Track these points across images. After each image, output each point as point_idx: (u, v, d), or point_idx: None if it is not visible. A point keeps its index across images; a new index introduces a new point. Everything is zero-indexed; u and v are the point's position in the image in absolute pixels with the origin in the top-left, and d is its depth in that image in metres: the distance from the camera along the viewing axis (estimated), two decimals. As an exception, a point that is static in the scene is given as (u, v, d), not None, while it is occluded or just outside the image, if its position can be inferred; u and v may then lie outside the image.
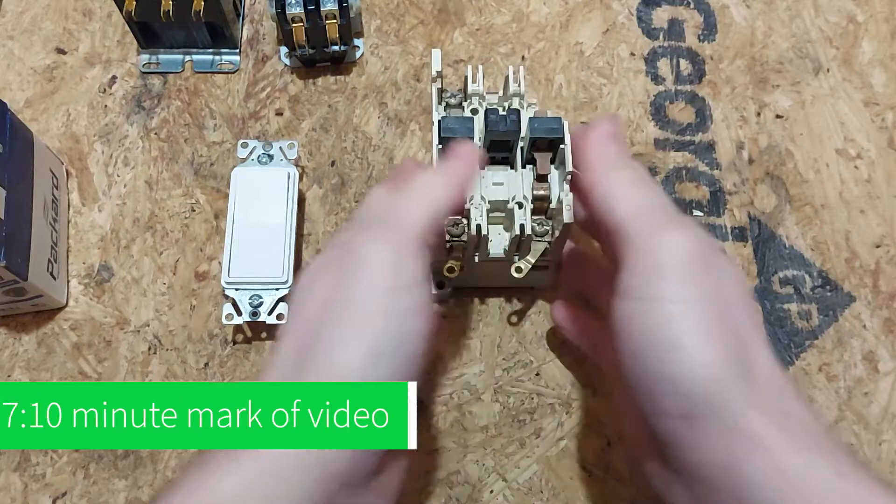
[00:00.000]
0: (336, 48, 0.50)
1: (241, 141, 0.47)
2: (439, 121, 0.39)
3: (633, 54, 0.53)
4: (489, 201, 0.40)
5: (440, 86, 0.42)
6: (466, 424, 0.44)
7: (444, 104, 0.43)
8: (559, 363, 0.45)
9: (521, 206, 0.40)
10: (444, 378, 0.44)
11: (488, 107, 0.42)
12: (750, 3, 0.55)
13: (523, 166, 0.41)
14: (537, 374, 0.45)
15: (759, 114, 0.51)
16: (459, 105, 0.43)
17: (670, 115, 0.52)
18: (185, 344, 0.45)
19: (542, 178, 0.40)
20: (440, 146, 0.39)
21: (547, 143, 0.40)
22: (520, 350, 0.45)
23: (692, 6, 0.55)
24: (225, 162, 0.50)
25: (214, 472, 0.27)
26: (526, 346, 0.45)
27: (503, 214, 0.41)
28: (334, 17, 0.48)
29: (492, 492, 0.42)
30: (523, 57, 0.53)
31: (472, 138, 0.40)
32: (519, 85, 0.42)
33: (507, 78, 0.43)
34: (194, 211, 0.49)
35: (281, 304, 0.43)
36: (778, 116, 0.51)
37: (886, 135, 0.51)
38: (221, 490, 0.26)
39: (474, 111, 0.43)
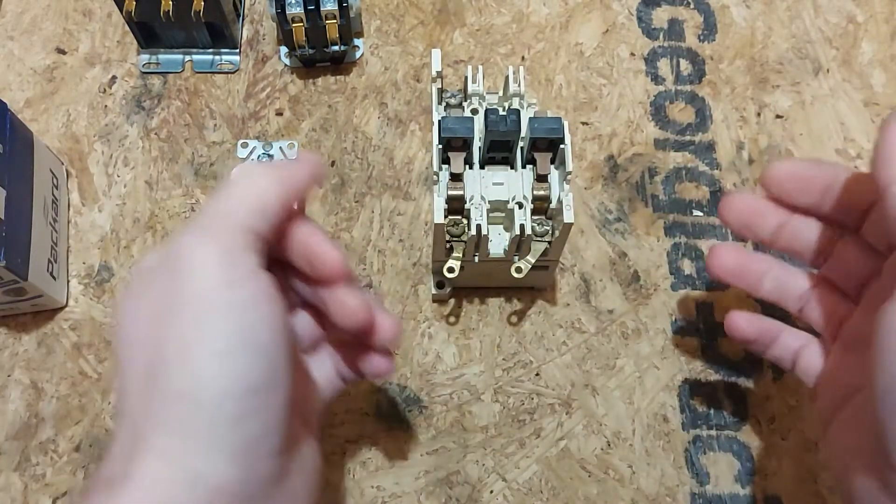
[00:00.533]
0: (336, 48, 0.50)
1: (241, 141, 0.47)
2: (439, 121, 0.39)
3: (633, 54, 0.53)
4: (489, 201, 0.40)
5: (440, 86, 0.42)
6: (466, 424, 0.44)
7: (444, 104, 0.43)
8: (559, 363, 0.45)
9: (521, 206, 0.40)
10: (444, 378, 0.45)
11: (488, 107, 0.42)
12: (750, 4, 0.55)
13: (523, 166, 0.41)
14: (537, 374, 0.45)
15: (759, 114, 0.51)
16: (459, 105, 0.43)
17: (670, 115, 0.52)
18: (185, 344, 0.45)
19: (542, 178, 0.40)
20: (440, 146, 0.39)
21: (547, 143, 0.40)
22: (520, 350, 0.45)
23: (692, 6, 0.55)
24: (225, 162, 0.50)
25: None
26: (526, 346, 0.45)
27: (503, 214, 0.42)
28: (334, 17, 0.48)
29: (492, 492, 0.42)
30: (523, 57, 0.53)
31: (472, 138, 0.40)
32: (519, 85, 0.42)
33: (507, 78, 0.43)
34: (194, 211, 0.49)
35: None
36: (778, 116, 0.51)
37: (886, 135, 0.51)
38: None
39: (474, 111, 0.43)
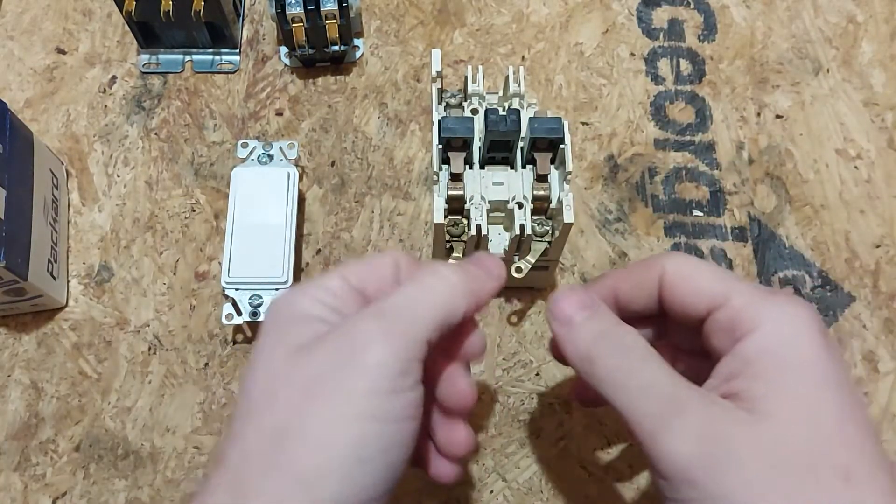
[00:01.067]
0: (336, 48, 0.50)
1: (241, 141, 0.47)
2: (439, 121, 0.39)
3: (633, 54, 0.53)
4: (489, 201, 0.40)
5: (440, 86, 0.42)
6: (466, 424, 0.44)
7: (444, 104, 0.43)
8: (559, 363, 0.45)
9: (521, 206, 0.40)
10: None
11: (488, 107, 0.42)
12: (750, 4, 0.55)
13: (523, 166, 0.41)
14: (537, 374, 0.45)
15: (759, 114, 0.51)
16: (459, 105, 0.43)
17: (670, 115, 0.52)
18: (185, 344, 0.45)
19: (542, 178, 0.40)
20: (440, 146, 0.39)
21: (547, 143, 0.40)
22: (520, 350, 0.45)
23: (692, 6, 0.55)
24: (225, 162, 0.50)
25: None
26: (526, 346, 0.45)
27: (503, 214, 0.42)
28: (334, 17, 0.48)
29: (492, 492, 0.42)
30: (523, 57, 0.53)
31: (472, 138, 0.40)
32: (519, 85, 0.42)
33: (507, 78, 0.43)
34: (194, 211, 0.49)
35: (281, 304, 0.43)
36: (778, 116, 0.51)
37: (886, 135, 0.51)
38: None
39: (474, 111, 0.43)
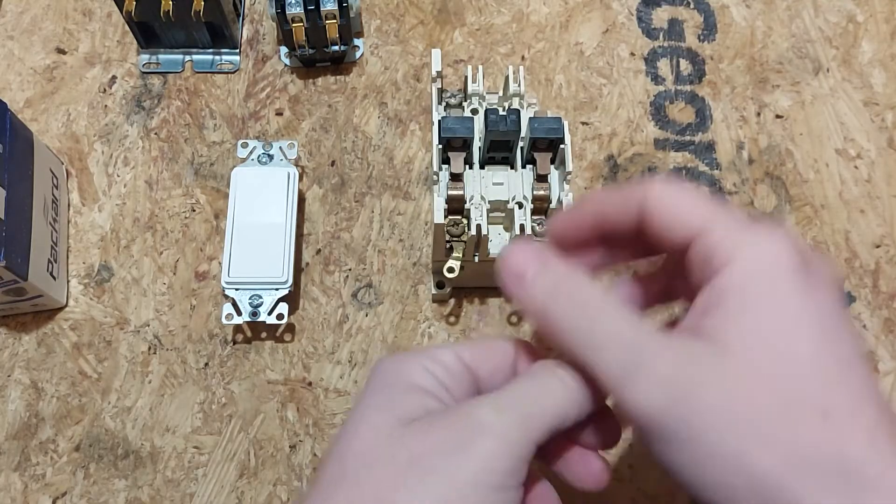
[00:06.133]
0: (336, 48, 0.50)
1: (241, 141, 0.47)
2: (439, 121, 0.40)
3: (633, 54, 0.53)
4: (489, 201, 0.40)
5: (440, 86, 0.42)
6: (466, 424, 0.43)
7: (444, 104, 0.43)
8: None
9: (521, 206, 0.40)
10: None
11: (488, 107, 0.42)
12: (750, 3, 0.55)
13: (523, 166, 0.41)
14: (537, 374, 0.45)
15: (759, 114, 0.51)
16: (459, 105, 0.43)
17: (670, 115, 0.52)
18: (185, 344, 0.45)
19: (542, 178, 0.40)
20: (440, 146, 0.39)
21: (547, 143, 0.40)
22: (520, 350, 0.45)
23: (692, 6, 0.55)
24: (225, 162, 0.50)
25: None
26: (526, 346, 0.45)
27: (503, 214, 0.42)
28: (334, 17, 0.48)
29: (492, 492, 0.42)
30: (523, 57, 0.53)
31: (472, 138, 0.40)
32: (519, 85, 0.42)
33: (507, 78, 0.43)
34: (194, 211, 0.49)
35: (281, 303, 0.43)
36: (778, 116, 0.51)
37: (886, 135, 0.51)
38: None
39: (474, 111, 0.43)
